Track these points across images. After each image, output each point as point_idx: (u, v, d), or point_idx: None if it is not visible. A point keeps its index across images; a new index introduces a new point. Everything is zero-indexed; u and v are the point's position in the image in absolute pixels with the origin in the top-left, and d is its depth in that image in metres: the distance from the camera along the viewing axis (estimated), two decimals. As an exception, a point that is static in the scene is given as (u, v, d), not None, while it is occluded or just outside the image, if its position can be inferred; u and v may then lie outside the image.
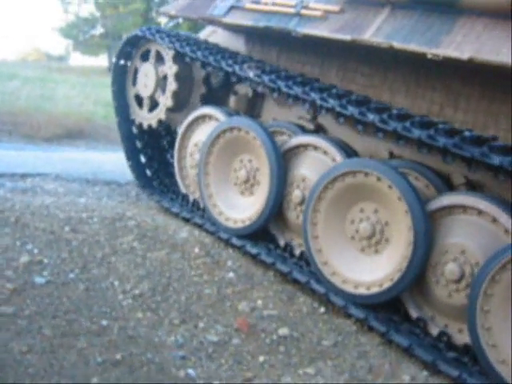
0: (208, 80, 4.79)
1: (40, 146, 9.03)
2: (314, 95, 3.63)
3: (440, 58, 3.09)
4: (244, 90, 4.58)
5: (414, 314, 3.29)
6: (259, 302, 3.55)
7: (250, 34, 4.54)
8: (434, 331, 3.21)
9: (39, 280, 3.34)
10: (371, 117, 3.33)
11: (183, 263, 3.84)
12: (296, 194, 3.86)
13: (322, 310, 3.60)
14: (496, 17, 3.01)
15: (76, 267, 3.57)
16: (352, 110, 3.44)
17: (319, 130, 4.11)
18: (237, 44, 4.72)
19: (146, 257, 3.84)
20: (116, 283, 3.47)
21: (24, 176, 5.64)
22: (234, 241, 4.15)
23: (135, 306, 3.29)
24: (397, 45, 3.27)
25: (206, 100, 4.77)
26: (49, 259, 3.60)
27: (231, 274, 3.81)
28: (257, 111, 4.63)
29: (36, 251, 3.68)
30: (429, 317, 3.26)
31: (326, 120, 4.00)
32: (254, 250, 4.01)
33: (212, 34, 5.06)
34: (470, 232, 3.07)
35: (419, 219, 3.11)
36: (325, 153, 3.79)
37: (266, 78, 3.90)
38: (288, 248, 3.99)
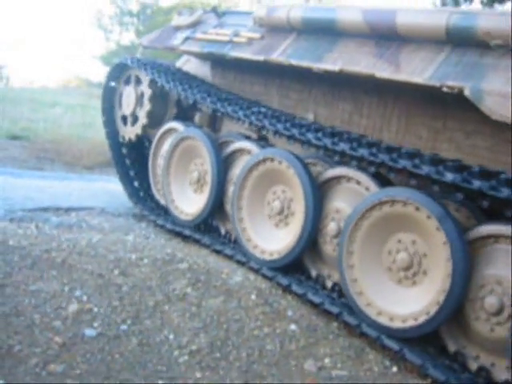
0: (179, 100, 5.49)
1: (82, 174, 8.96)
2: (253, 117, 4.26)
3: (321, 70, 3.87)
4: (206, 108, 5.04)
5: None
6: (326, 360, 3.22)
7: (214, 61, 5.32)
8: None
9: (90, 333, 3.09)
10: (295, 132, 3.91)
11: (241, 313, 3.54)
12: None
13: (395, 369, 3.25)
14: (362, 37, 3.79)
15: (128, 317, 3.31)
16: (279, 128, 4.03)
17: (262, 139, 4.64)
18: (204, 70, 5.54)
19: (201, 305, 3.56)
20: (171, 337, 3.19)
21: (69, 210, 5.46)
22: (294, 287, 3.85)
23: (192, 363, 3.00)
24: (293, 62, 4.09)
25: (178, 117, 5.49)
26: (99, 307, 3.36)
27: (293, 326, 3.49)
28: (217, 126, 5.31)
29: (85, 298, 3.44)
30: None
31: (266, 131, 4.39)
32: (316, 299, 3.68)
33: (186, 63, 5.92)
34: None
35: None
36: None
37: (219, 105, 4.54)
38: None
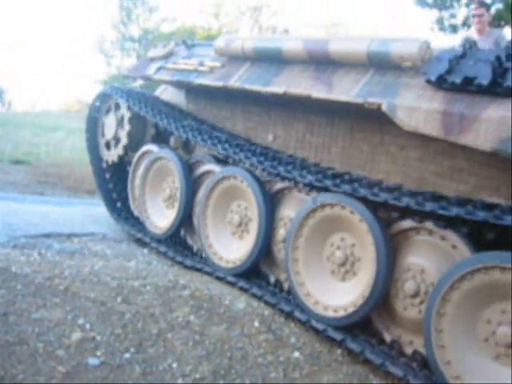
0: (157, 124, 5.73)
1: (84, 198, 9.00)
2: (209, 143, 4.70)
3: (269, 93, 4.34)
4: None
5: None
6: (330, 388, 3.21)
7: (188, 89, 5.70)
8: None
9: (93, 361, 3.08)
10: (254, 160, 4.30)
11: (244, 341, 3.53)
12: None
13: (399, 397, 3.24)
14: (303, 63, 4.26)
15: (131, 345, 3.31)
16: (234, 154, 4.44)
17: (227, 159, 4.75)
18: (180, 98, 5.94)
19: (204, 333, 3.56)
20: (174, 365, 3.18)
21: (71, 236, 5.47)
22: (297, 313, 3.85)
23: (196, 392, 3.00)
24: (247, 86, 4.52)
25: (155, 140, 5.91)
26: (102, 336, 3.35)
27: (296, 354, 3.48)
28: (191, 148, 5.64)
29: (88, 326, 3.44)
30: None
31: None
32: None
33: (164, 91, 6.35)
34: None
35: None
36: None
37: (181, 131, 5.01)
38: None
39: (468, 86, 3.20)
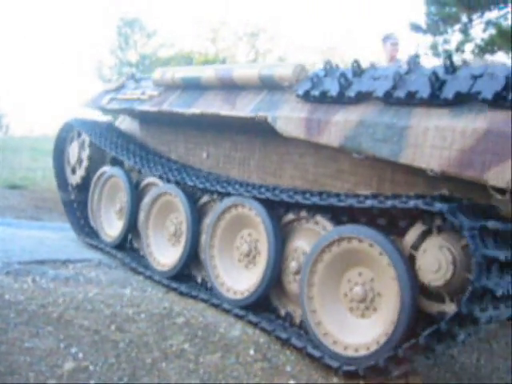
0: None
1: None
2: (146, 166, 5.59)
3: (189, 114, 5.11)
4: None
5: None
6: (326, 418, 3.17)
7: (141, 118, 6.44)
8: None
9: (85, 392, 3.04)
10: (196, 182, 4.96)
11: (239, 369, 3.49)
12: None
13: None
14: (217, 88, 5.05)
15: (124, 375, 3.26)
16: (179, 179, 5.13)
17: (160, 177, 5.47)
18: (135, 126, 6.67)
19: (199, 362, 3.51)
20: (168, 395, 3.14)
21: (66, 262, 5.43)
22: (294, 340, 3.82)
23: (190, 423, 2.95)
24: (174, 110, 5.30)
25: (114, 162, 6.45)
26: (95, 365, 3.31)
27: (292, 382, 3.44)
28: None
29: (81, 355, 3.40)
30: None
31: None
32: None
33: (122, 121, 7.05)
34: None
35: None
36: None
37: (125, 157, 5.84)
38: None
39: (325, 98, 4.04)
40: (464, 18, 10.48)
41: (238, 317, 4.22)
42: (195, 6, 42.78)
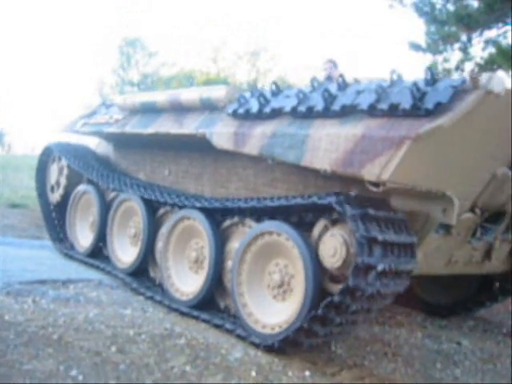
0: None
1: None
2: (111, 183, 6.34)
3: (147, 134, 5.82)
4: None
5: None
6: None
7: (114, 141, 7.17)
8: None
9: (85, 416, 2.99)
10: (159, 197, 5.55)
11: (241, 392, 3.44)
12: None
13: None
14: (169, 111, 5.72)
15: (124, 398, 3.22)
16: (140, 194, 5.82)
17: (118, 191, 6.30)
18: (109, 149, 7.40)
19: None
20: (169, 419, 3.09)
21: (66, 282, 5.41)
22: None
23: None
24: (134, 131, 6.03)
25: (90, 181, 6.94)
26: (95, 388, 3.26)
27: (294, 405, 3.40)
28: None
29: (81, 378, 3.35)
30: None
31: None
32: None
33: (99, 145, 7.73)
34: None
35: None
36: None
37: (94, 175, 6.61)
38: None
39: (248, 115, 4.64)
40: (463, 37, 10.54)
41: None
42: (196, 25, 43.17)
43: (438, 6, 10.55)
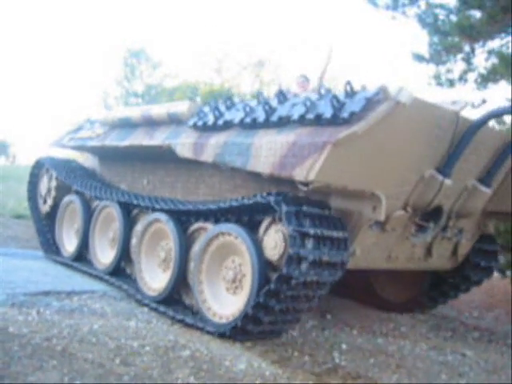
0: None
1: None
2: (92, 193, 6.96)
3: (122, 146, 6.43)
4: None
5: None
6: None
7: (99, 155, 7.81)
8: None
9: (89, 428, 2.98)
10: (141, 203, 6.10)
11: (245, 404, 3.43)
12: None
13: None
14: (143, 125, 6.29)
15: (128, 410, 3.21)
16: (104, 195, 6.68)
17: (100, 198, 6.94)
18: (95, 162, 8.02)
19: (204, 396, 3.46)
20: (173, 431, 3.08)
21: (71, 294, 5.42)
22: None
23: None
24: (113, 143, 6.62)
25: (77, 192, 7.46)
26: (100, 400, 3.26)
27: (299, 418, 3.38)
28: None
29: (85, 390, 3.35)
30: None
31: None
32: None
33: (87, 159, 8.40)
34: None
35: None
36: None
37: (78, 185, 7.23)
38: None
39: (205, 127, 5.20)
40: (466, 48, 10.56)
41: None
42: (200, 36, 43.43)
43: (441, 17, 10.59)
